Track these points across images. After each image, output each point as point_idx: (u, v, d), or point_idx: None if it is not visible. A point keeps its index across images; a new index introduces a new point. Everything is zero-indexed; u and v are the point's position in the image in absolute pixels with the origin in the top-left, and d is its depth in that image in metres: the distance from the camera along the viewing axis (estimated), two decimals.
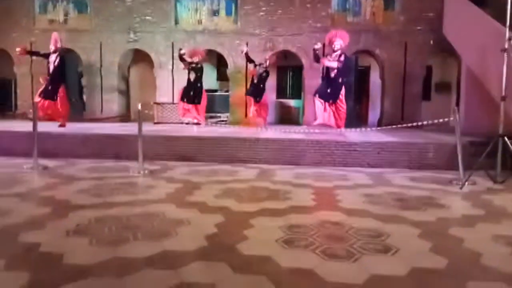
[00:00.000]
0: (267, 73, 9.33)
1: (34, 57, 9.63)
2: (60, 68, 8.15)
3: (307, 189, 4.21)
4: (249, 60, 9.36)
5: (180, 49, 9.01)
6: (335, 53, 7.17)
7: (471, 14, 8.14)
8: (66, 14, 12.10)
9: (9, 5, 12.14)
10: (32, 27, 12.06)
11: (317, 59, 7.35)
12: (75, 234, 2.59)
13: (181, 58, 8.90)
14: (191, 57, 9.02)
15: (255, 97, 9.24)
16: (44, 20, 12.14)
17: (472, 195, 4.11)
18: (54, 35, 8.34)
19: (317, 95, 7.29)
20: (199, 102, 8.93)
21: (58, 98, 8.10)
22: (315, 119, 7.43)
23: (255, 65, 9.26)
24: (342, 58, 7.13)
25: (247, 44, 10.01)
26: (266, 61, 9.33)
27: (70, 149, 6.43)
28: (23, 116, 8.80)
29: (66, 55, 8.60)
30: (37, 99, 7.87)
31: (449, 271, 2.13)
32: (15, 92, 13.01)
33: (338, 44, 7.14)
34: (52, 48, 8.12)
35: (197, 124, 8.95)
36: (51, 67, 8.07)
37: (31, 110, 7.40)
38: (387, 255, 2.31)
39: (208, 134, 6.62)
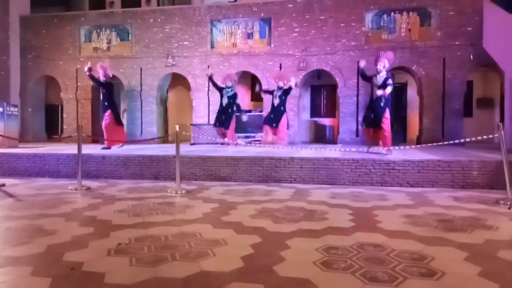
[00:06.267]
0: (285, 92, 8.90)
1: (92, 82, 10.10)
2: (108, 95, 8.78)
3: (344, 210, 4.12)
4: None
5: (209, 74, 9.42)
6: (381, 75, 6.81)
7: None
8: (109, 42, 12.80)
9: (58, 35, 13.03)
10: (78, 55, 12.84)
11: (365, 77, 7.19)
12: (116, 253, 2.66)
13: (212, 80, 9.27)
14: (223, 81, 9.31)
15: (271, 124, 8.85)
16: (89, 48, 12.91)
17: None
18: (103, 66, 8.91)
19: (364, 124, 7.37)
20: (227, 128, 9.12)
21: (104, 122, 8.64)
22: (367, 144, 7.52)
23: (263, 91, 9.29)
24: (390, 81, 6.68)
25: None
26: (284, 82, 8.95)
27: (111, 170, 6.69)
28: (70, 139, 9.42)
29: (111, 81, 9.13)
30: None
31: None
32: (61, 117, 13.78)
33: (383, 65, 6.81)
34: (103, 78, 8.71)
35: (228, 144, 9.11)
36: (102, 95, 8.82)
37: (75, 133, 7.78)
38: (432, 279, 2.20)
39: (243, 154, 6.67)
